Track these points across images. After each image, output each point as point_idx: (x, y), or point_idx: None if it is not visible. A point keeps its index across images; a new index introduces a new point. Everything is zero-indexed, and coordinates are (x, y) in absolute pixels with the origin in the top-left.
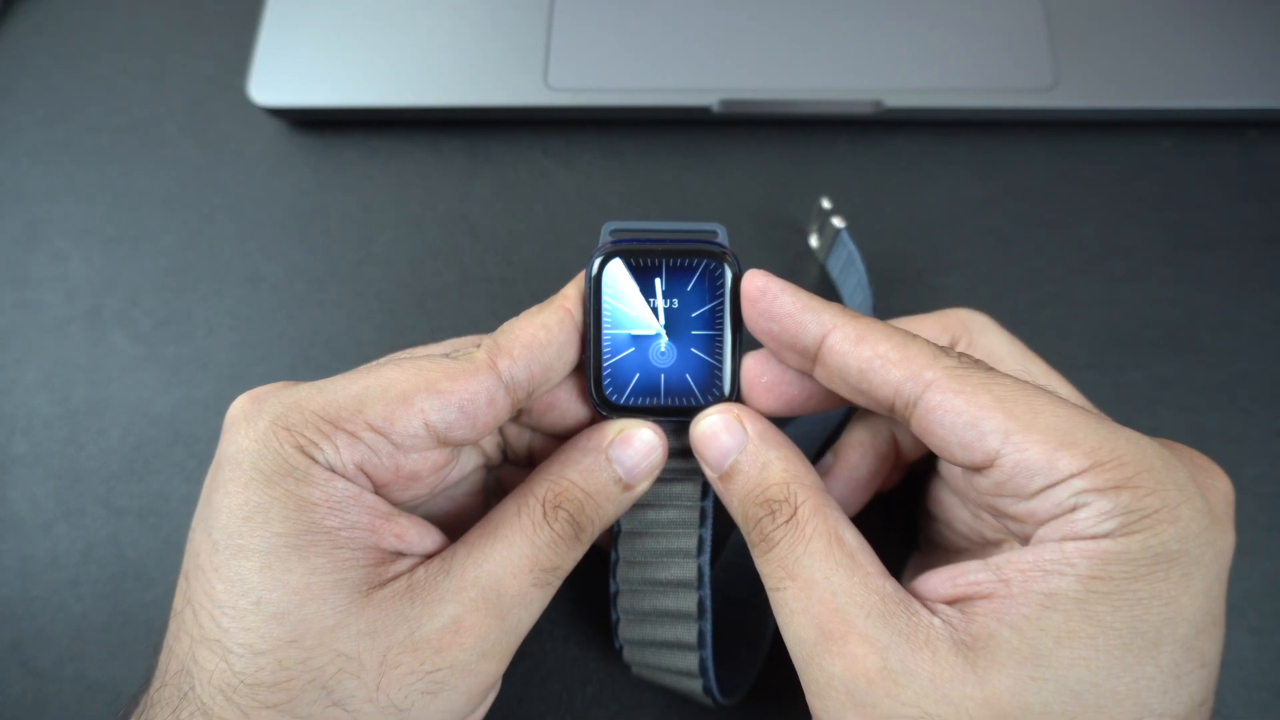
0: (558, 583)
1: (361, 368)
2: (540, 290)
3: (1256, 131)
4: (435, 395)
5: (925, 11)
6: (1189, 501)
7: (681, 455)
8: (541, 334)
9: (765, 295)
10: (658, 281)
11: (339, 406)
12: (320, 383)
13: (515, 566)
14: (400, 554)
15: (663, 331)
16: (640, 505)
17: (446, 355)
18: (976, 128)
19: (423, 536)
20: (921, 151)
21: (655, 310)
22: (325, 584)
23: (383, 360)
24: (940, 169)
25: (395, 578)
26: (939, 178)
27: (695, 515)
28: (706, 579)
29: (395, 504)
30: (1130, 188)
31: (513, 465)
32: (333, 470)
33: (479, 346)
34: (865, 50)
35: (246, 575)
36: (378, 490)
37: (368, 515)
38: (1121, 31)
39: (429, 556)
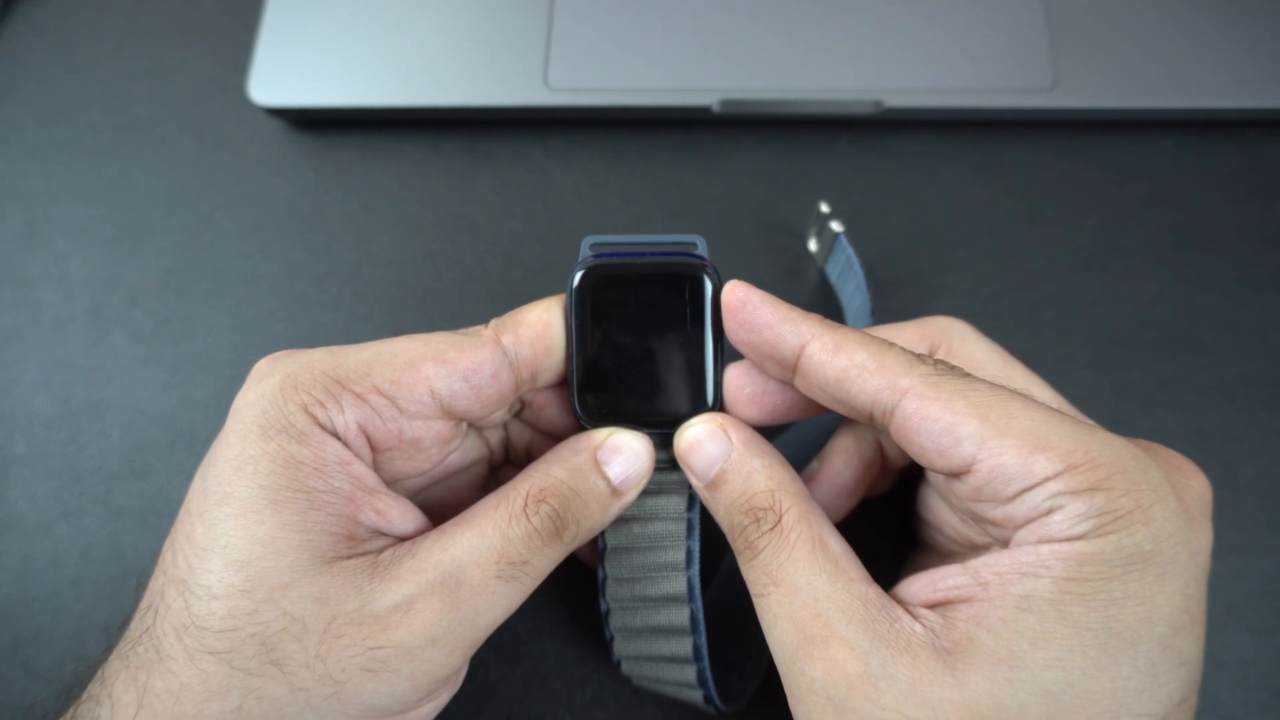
0: (529, 581)
1: (376, 340)
2: (540, 290)
3: (1256, 131)
4: (441, 364)
5: (925, 12)
6: (1163, 501)
7: (666, 468)
8: (546, 315)
9: (745, 306)
10: (638, 294)
11: (348, 369)
12: (334, 347)
13: (481, 556)
14: (379, 532)
15: (644, 344)
16: (625, 519)
17: (457, 332)
18: (976, 128)
19: (405, 518)
20: (921, 151)
21: (636, 323)
22: (291, 542)
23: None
24: (940, 169)
25: (364, 554)
26: (939, 178)
27: (682, 527)
28: (697, 592)
29: (397, 476)
30: (1130, 187)
31: (514, 466)
32: (333, 433)
33: (487, 326)
34: (865, 50)
35: (222, 520)
36: (379, 455)
37: (350, 485)
38: (1121, 31)
39: (407, 540)
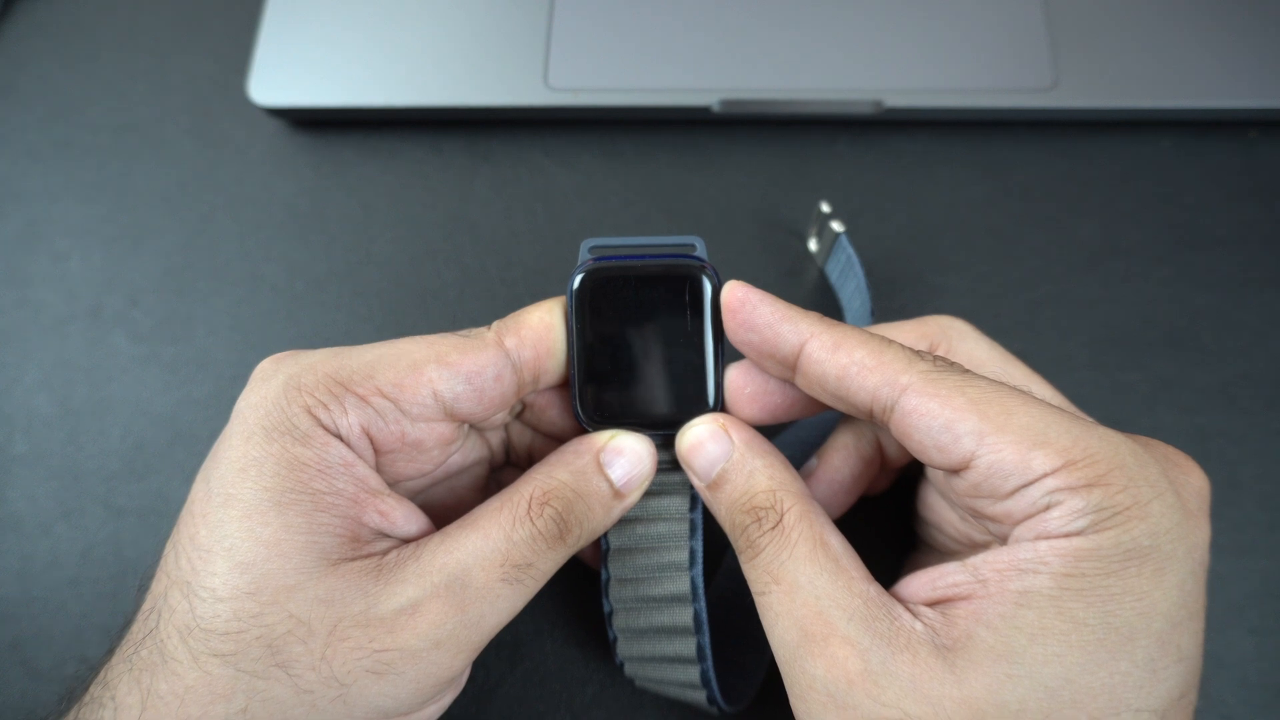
0: (532, 583)
1: (379, 342)
2: (540, 290)
3: (1256, 131)
4: (444, 366)
5: (925, 11)
6: (1160, 497)
7: (668, 469)
8: (548, 317)
9: (744, 306)
10: (638, 297)
11: (352, 370)
12: (337, 348)
13: (486, 559)
14: (383, 534)
15: (644, 346)
16: (628, 520)
17: (459, 334)
18: (976, 128)
19: (408, 520)
20: (922, 151)
21: (637, 325)
22: (296, 543)
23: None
24: (940, 169)
25: (369, 556)
26: (939, 178)
27: (685, 528)
28: (701, 592)
29: (399, 478)
30: (1130, 188)
31: (514, 468)
32: (337, 435)
33: (490, 328)
34: (865, 50)
35: (226, 523)
36: (381, 456)
37: (354, 486)
38: (1121, 31)
39: (410, 542)
